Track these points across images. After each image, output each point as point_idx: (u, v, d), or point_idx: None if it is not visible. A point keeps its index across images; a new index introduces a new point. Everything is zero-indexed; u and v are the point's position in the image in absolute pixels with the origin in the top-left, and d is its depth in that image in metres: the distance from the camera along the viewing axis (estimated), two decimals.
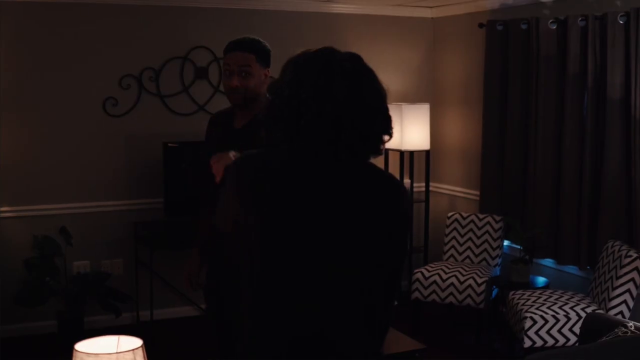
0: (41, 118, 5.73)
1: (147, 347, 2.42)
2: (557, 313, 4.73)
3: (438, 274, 5.68)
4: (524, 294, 5.05)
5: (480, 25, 6.12)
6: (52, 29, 5.70)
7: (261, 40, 3.63)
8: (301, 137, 2.05)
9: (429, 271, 5.74)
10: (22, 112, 5.68)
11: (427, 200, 6.70)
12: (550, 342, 4.72)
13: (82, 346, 2.31)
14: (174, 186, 5.77)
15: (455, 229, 6.13)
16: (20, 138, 5.68)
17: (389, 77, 6.64)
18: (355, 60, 2.20)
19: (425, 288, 5.68)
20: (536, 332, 4.71)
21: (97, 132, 5.88)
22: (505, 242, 6.04)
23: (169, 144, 5.77)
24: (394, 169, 6.66)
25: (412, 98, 6.76)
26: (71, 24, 5.75)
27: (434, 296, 5.66)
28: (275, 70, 2.47)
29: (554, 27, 5.47)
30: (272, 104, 2.14)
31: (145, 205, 5.98)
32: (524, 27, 5.72)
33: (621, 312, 4.65)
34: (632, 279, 4.66)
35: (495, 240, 5.95)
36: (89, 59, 5.80)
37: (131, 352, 2.28)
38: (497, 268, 5.92)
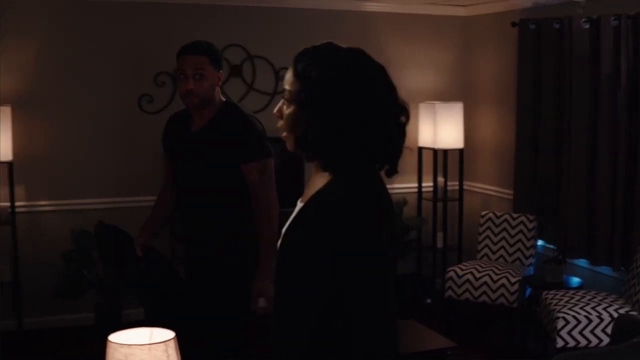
0: (80, 114, 5.84)
1: (181, 341, 2.47)
2: (590, 314, 4.72)
3: (471, 272, 5.69)
4: (557, 294, 5.04)
5: (513, 24, 6.11)
6: (90, 26, 5.81)
7: (212, 43, 3.69)
8: (368, 153, 1.93)
9: (462, 270, 5.75)
10: (61, 108, 5.80)
11: (460, 199, 6.71)
12: (583, 342, 4.71)
13: (115, 337, 2.37)
14: None
15: (488, 227, 6.13)
16: (60, 134, 5.80)
17: (422, 76, 6.68)
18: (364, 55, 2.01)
19: (459, 286, 5.69)
20: (569, 333, 4.70)
21: (132, 128, 5.97)
22: (539, 242, 6.03)
23: None
24: (427, 167, 6.68)
25: (445, 97, 6.77)
26: (108, 21, 5.84)
27: (467, 295, 5.67)
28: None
29: (587, 27, 5.44)
30: (331, 121, 1.89)
31: None
32: (556, 26, 5.71)
33: None
34: None
35: (528, 239, 5.94)
36: (125, 57, 5.89)
37: (163, 344, 2.34)
38: (531, 268, 5.91)
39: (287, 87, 1.96)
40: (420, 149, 6.66)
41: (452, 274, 5.75)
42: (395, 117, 1.96)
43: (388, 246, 1.86)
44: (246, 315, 3.68)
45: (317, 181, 1.97)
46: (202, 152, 3.65)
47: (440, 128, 6.37)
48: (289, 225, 1.97)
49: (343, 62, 1.92)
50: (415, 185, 6.81)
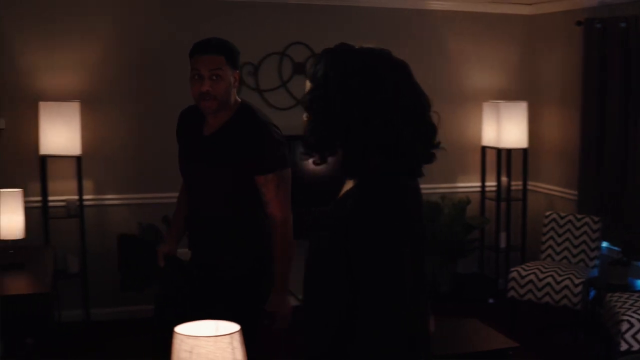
0: (145, 110, 5.95)
1: (244, 336, 2.51)
2: None
3: (535, 273, 5.64)
4: (621, 297, 4.98)
5: (578, 23, 6.04)
6: (156, 25, 5.92)
7: (228, 41, 3.40)
8: (401, 157, 1.89)
9: (525, 270, 5.71)
10: (128, 104, 5.92)
11: (524, 199, 6.66)
12: None
13: (181, 329, 2.42)
14: None
15: (552, 228, 6.07)
16: (127, 129, 5.92)
17: (486, 75, 6.63)
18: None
19: (522, 287, 5.65)
20: (633, 336, 4.63)
21: None
22: (604, 244, 5.95)
23: None
24: (490, 167, 6.65)
25: (509, 96, 6.71)
26: (173, 20, 5.94)
27: (530, 295, 5.63)
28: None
29: None
30: (359, 125, 1.85)
31: None
32: (622, 25, 5.62)
33: None
34: None
35: (593, 241, 5.86)
36: (182, 55, 5.95)
37: (229, 336, 2.38)
38: (595, 269, 5.83)
39: (306, 92, 1.95)
40: (484, 148, 6.63)
41: (515, 274, 5.72)
42: (414, 116, 1.90)
43: (407, 256, 1.81)
44: (257, 328, 3.44)
45: (345, 186, 1.96)
46: (213, 159, 3.38)
47: (504, 127, 6.33)
48: (317, 229, 1.96)
49: (349, 62, 1.88)
50: (479, 184, 6.77)
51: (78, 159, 5.62)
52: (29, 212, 5.16)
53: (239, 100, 3.44)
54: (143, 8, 5.90)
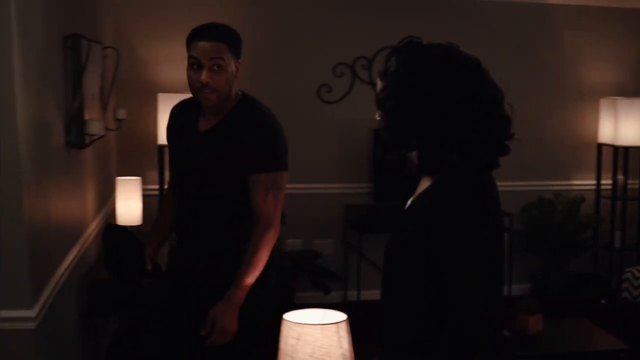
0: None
1: (353, 325, 2.56)
2: None
3: None
4: None
5: None
6: (274, 16, 6.02)
7: (230, 26, 3.08)
8: (475, 152, 1.86)
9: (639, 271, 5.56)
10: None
11: None
12: None
13: (290, 316, 2.48)
14: (383, 173, 5.92)
15: None
16: None
17: (603, 71, 6.48)
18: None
19: (636, 288, 5.51)
20: None
21: (311, 117, 6.14)
22: None
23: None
24: (606, 165, 6.49)
25: (628, 92, 6.52)
26: (287, 13, 6.03)
27: None
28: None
29: None
30: (436, 122, 1.82)
31: (356, 189, 6.18)
32: None
33: None
34: None
35: None
36: (306, 48, 6.06)
37: (335, 325, 2.42)
38: None
39: (377, 90, 1.94)
40: (600, 146, 6.47)
41: (629, 275, 5.57)
42: (486, 111, 1.85)
43: (491, 251, 1.81)
44: (254, 340, 3.13)
45: (424, 182, 1.94)
46: (212, 156, 3.03)
47: (621, 125, 6.16)
48: (396, 226, 1.95)
49: (419, 58, 1.86)
50: (594, 182, 6.62)
51: None
52: (146, 199, 5.35)
53: (239, 92, 3.14)
54: (258, 5, 6.01)
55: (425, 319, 1.86)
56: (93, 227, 4.51)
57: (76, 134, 3.95)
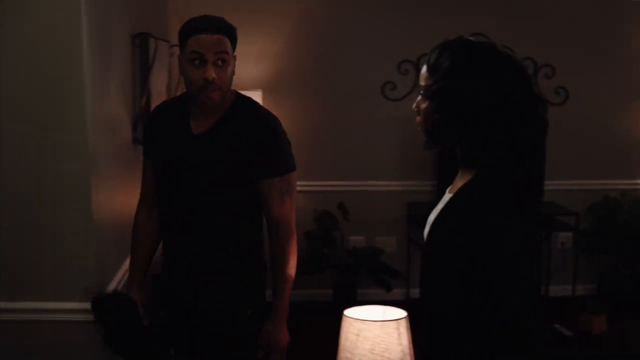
0: (324, 99, 6.10)
1: (413, 322, 2.56)
2: None
3: None
4: None
5: None
6: (333, 15, 6.04)
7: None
8: (519, 147, 1.93)
9: None
10: (308, 93, 6.08)
11: None
12: None
13: (350, 312, 2.50)
14: (446, 170, 5.88)
15: None
16: (305, 118, 6.08)
17: None
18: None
19: None
20: None
21: (375, 114, 6.14)
22: None
23: None
24: None
25: None
26: (352, 10, 6.04)
27: None
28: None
29: None
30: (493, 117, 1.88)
31: (418, 186, 6.16)
32: None
33: None
34: None
35: None
36: (370, 45, 6.06)
37: (395, 322, 2.43)
38: None
39: (422, 82, 2.01)
40: None
41: None
42: (529, 107, 1.92)
43: (530, 246, 1.85)
44: None
45: (465, 174, 1.99)
46: (210, 161, 2.76)
47: None
48: (437, 217, 1.99)
49: (473, 53, 1.92)
50: None
51: None
52: None
53: (233, 90, 2.87)
54: (322, 2, 6.03)
55: (456, 316, 1.89)
56: None
57: (143, 131, 4.03)
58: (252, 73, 5.98)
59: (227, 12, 5.84)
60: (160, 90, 4.49)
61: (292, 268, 2.91)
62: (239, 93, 2.87)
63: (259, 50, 5.97)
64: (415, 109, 2.04)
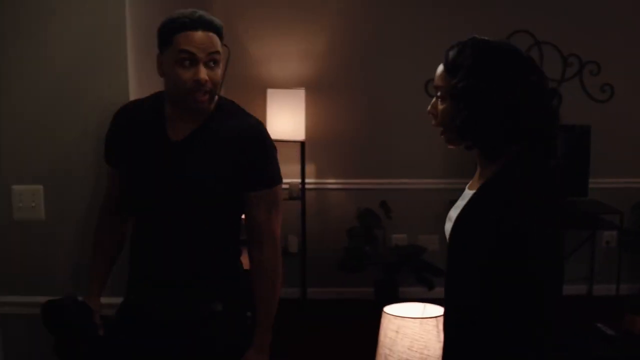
0: (368, 97, 6.11)
1: None
2: None
3: None
4: None
5: None
6: (379, 14, 6.05)
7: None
8: (539, 143, 2.00)
9: None
10: (351, 91, 6.10)
11: None
12: None
13: (390, 309, 2.52)
14: None
15: None
16: (348, 116, 6.10)
17: None
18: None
19: None
20: None
21: (418, 111, 6.10)
22: None
23: None
24: None
25: None
26: (396, 9, 6.04)
27: None
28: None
29: None
30: (513, 109, 1.94)
31: (460, 184, 6.09)
32: None
33: None
34: None
35: None
36: (413, 42, 6.05)
37: (434, 319, 2.45)
38: None
39: (439, 83, 2.07)
40: None
41: None
42: (547, 101, 1.98)
43: (559, 236, 1.92)
44: None
45: (484, 170, 2.05)
46: (192, 171, 2.48)
47: None
48: (462, 213, 2.04)
49: (493, 50, 1.99)
50: None
51: (302, 144, 5.86)
52: None
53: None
54: (364, 1, 6.07)
55: (486, 309, 1.92)
56: None
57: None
58: (295, 72, 6.03)
59: (270, 12, 5.94)
60: None
61: (278, 289, 2.65)
62: (221, 96, 2.58)
63: (302, 49, 6.02)
64: (432, 113, 2.11)
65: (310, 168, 6.10)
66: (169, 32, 2.41)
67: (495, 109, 1.93)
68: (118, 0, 2.88)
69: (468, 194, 2.10)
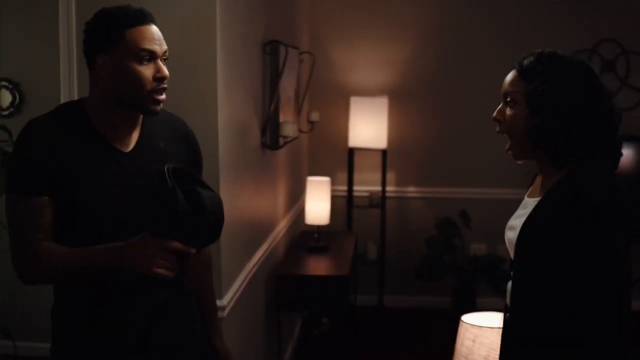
0: (449, 106, 6.11)
1: None
2: None
3: None
4: None
5: None
6: (461, 24, 6.04)
7: None
8: (607, 150, 2.04)
9: None
10: (433, 100, 6.11)
11: None
12: None
13: (468, 318, 2.54)
14: None
15: None
16: (429, 124, 6.11)
17: None
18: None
19: None
20: None
21: None
22: None
23: None
24: None
25: None
26: (478, 16, 6.03)
27: None
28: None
29: None
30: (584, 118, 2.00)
31: None
32: None
33: None
34: None
35: None
36: (495, 50, 5.99)
37: None
38: None
39: (510, 88, 2.10)
40: None
41: None
42: (614, 114, 2.03)
43: (624, 253, 1.93)
44: None
45: (548, 178, 2.09)
46: (153, 181, 2.18)
47: None
48: (528, 220, 2.06)
49: (569, 61, 2.05)
50: None
51: (383, 152, 5.89)
52: (335, 199, 5.54)
53: None
54: (448, 7, 6.05)
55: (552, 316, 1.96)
56: (283, 225, 4.72)
57: (271, 136, 4.16)
58: (378, 79, 6.07)
59: (353, 20, 6.00)
60: (289, 96, 4.62)
61: (213, 289, 2.58)
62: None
63: (385, 57, 6.06)
64: (498, 118, 2.16)
65: (391, 176, 6.13)
66: (119, 28, 2.13)
67: (570, 114, 1.98)
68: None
69: (530, 202, 2.13)
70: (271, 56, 4.14)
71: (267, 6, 4.17)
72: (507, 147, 2.17)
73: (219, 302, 3.03)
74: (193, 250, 2.13)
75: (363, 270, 5.97)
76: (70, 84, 3.06)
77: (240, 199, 3.50)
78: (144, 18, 2.16)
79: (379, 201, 5.96)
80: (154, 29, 2.18)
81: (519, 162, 2.18)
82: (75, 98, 3.06)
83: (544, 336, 1.97)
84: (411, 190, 6.21)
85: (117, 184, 2.18)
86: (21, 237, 2.12)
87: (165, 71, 2.17)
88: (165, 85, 2.18)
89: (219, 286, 3.07)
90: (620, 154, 2.06)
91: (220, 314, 2.93)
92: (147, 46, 2.14)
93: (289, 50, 4.39)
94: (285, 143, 4.50)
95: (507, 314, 2.14)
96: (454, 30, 6.05)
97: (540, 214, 2.03)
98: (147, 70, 2.14)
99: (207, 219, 2.11)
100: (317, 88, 5.88)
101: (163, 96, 2.19)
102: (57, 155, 2.12)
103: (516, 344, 2.06)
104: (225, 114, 3.13)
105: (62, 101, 3.00)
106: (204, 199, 2.09)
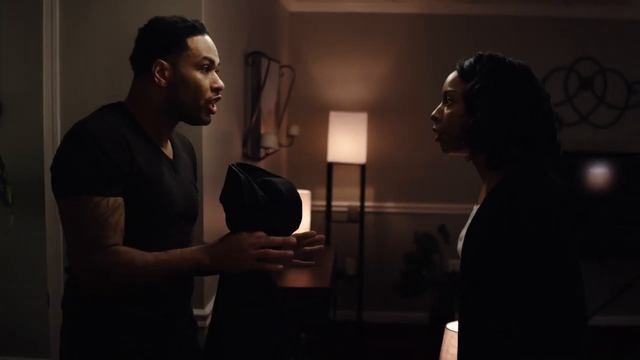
0: (427, 122, 6.10)
1: None
2: None
3: None
4: None
5: None
6: (442, 42, 6.07)
7: None
8: (546, 148, 2.07)
9: None
10: (411, 116, 6.12)
11: None
12: None
13: (453, 326, 2.54)
14: None
15: None
16: (408, 140, 6.13)
17: None
18: None
19: None
20: None
21: None
22: None
23: None
24: None
25: None
26: (458, 37, 6.06)
27: None
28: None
29: None
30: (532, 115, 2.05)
31: None
32: None
33: None
34: None
35: None
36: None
37: None
38: None
39: (450, 88, 2.19)
40: None
41: None
42: (553, 115, 2.08)
43: (573, 239, 1.94)
44: None
45: (489, 183, 2.14)
46: (192, 191, 2.38)
47: None
48: (469, 229, 2.09)
49: (509, 62, 2.10)
50: None
51: (362, 167, 5.90)
52: (313, 214, 5.53)
53: None
54: (427, 25, 6.09)
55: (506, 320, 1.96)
56: None
57: (252, 147, 4.16)
58: (357, 95, 6.09)
59: (334, 36, 6.01)
60: (270, 108, 4.63)
61: None
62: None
63: (365, 73, 6.08)
64: (436, 117, 2.21)
65: (369, 191, 6.13)
66: (181, 35, 2.17)
67: (506, 113, 2.02)
68: None
69: (475, 209, 2.17)
70: (253, 67, 4.15)
71: (250, 18, 4.18)
72: (436, 137, 2.22)
73: (201, 311, 3.02)
74: (294, 240, 2.17)
75: (342, 285, 5.96)
76: (53, 94, 3.02)
77: (222, 209, 3.47)
78: (204, 28, 2.21)
79: (358, 216, 5.96)
80: (211, 40, 2.22)
81: (450, 153, 2.23)
82: (58, 109, 3.03)
83: (494, 341, 1.97)
84: (390, 206, 6.22)
85: (175, 189, 2.21)
86: (94, 241, 2.02)
87: (222, 83, 2.21)
88: (220, 96, 2.22)
89: (201, 295, 3.05)
90: (559, 155, 2.08)
91: (201, 322, 2.89)
92: (209, 55, 2.18)
93: (271, 63, 4.40)
94: (267, 154, 4.50)
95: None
96: (433, 48, 6.09)
97: (480, 219, 2.06)
98: (205, 80, 2.18)
99: (289, 204, 2.14)
100: (297, 102, 5.89)
101: (215, 107, 2.23)
102: (129, 155, 2.09)
103: (467, 351, 2.06)
104: (209, 125, 3.11)
105: (44, 112, 2.95)
106: (277, 184, 2.10)
